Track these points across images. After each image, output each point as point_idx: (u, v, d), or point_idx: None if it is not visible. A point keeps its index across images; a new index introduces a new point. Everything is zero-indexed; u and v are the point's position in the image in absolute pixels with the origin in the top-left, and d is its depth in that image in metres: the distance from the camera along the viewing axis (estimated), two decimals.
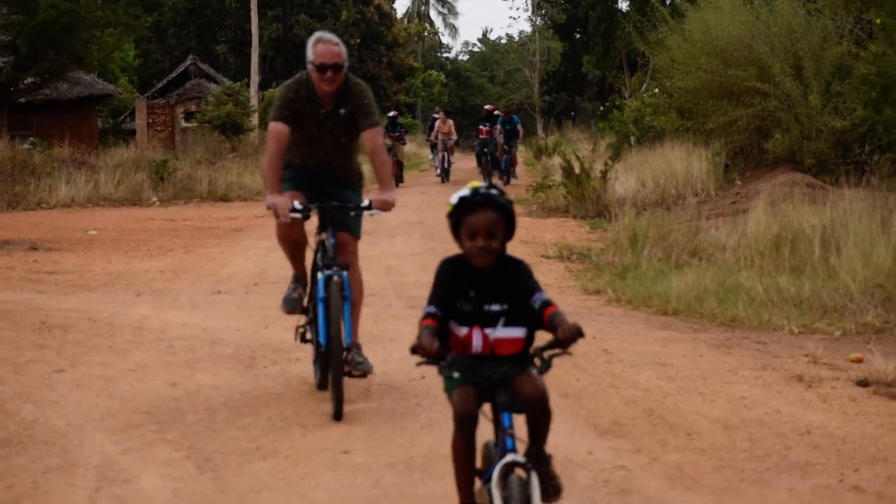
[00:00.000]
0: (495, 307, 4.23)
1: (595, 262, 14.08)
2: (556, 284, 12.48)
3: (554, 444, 6.04)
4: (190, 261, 13.77)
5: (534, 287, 4.21)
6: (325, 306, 6.76)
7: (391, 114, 32.51)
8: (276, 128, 7.12)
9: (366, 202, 7.02)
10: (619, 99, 40.16)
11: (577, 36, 78.53)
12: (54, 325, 9.52)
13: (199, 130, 35.40)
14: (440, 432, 6.16)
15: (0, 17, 28.35)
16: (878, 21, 15.39)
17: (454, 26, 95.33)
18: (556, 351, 4.09)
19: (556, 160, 29.85)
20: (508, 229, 4.25)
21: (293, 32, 50.85)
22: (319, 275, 6.90)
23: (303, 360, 7.94)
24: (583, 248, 15.55)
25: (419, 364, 4.11)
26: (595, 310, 10.87)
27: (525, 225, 18.47)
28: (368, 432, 6.35)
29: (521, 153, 37.62)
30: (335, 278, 6.75)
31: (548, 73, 77.55)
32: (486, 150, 30.17)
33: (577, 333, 4.01)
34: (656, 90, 32.37)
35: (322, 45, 7.05)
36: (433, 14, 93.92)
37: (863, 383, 7.46)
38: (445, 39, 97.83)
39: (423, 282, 11.22)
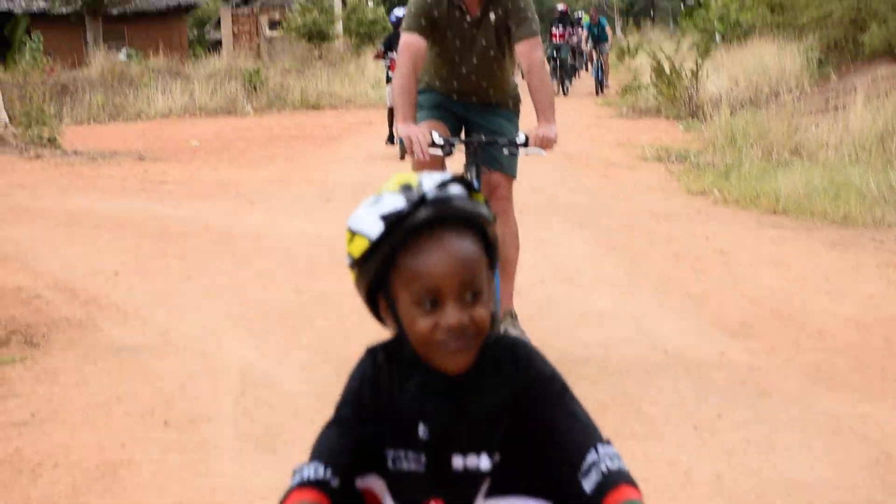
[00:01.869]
0: (473, 461, 2.00)
1: (695, 163, 13.98)
2: (658, 186, 12.46)
3: (684, 345, 6.19)
4: (294, 169, 13.94)
5: (574, 428, 1.95)
6: None
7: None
8: (410, 40, 5.61)
9: (521, 137, 5.44)
10: None
11: None
12: (174, 233, 9.75)
13: (284, 39, 35.54)
14: (569, 336, 6.25)
15: None
16: None
17: None
18: None
19: (640, 60, 29.40)
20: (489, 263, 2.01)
21: None
22: None
23: None
24: (680, 148, 15.43)
25: None
26: (703, 210, 10.83)
27: (619, 128, 18.41)
28: None
29: None
30: None
31: None
32: (557, 55, 27.41)
33: None
34: None
35: None
36: None
37: None
38: None
39: (525, 186, 11.23)
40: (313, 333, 6.66)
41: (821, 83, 20.58)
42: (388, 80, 15.08)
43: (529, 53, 5.60)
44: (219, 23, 44.94)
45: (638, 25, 61.24)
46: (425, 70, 5.88)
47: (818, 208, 10.44)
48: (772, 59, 22.44)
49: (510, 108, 6.01)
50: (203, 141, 17.79)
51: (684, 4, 57.39)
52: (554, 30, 28.66)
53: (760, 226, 9.90)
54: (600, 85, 28.81)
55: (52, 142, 16.73)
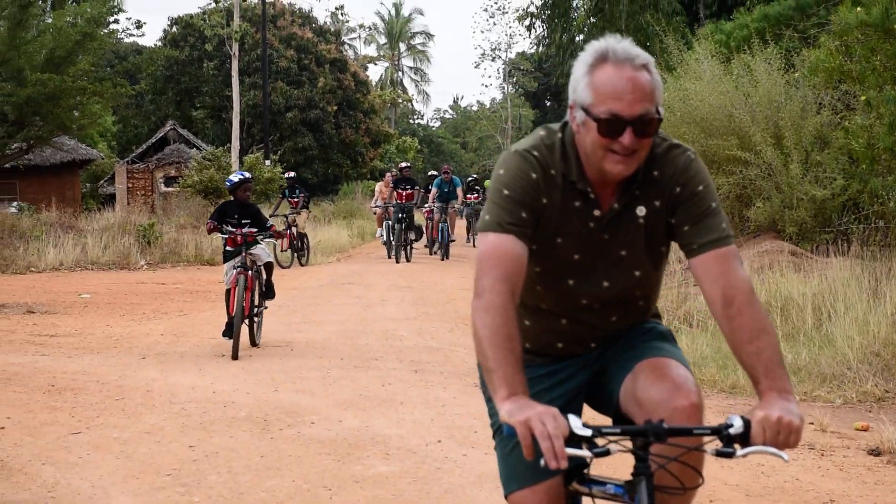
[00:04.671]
0: None
1: None
2: None
3: None
4: (188, 324, 13.83)
5: None
6: None
7: (288, 174, 26.70)
8: (503, 245, 2.97)
9: (737, 423, 2.76)
10: None
11: (548, 103, 79.88)
12: (63, 387, 9.58)
13: (179, 194, 35.59)
14: (465, 498, 6.25)
15: None
16: (863, 98, 15.71)
17: (426, 93, 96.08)
18: None
19: None
20: None
21: (270, 99, 51.16)
22: None
23: (317, 423, 8.00)
24: None
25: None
26: None
27: None
28: (393, 496, 6.39)
29: None
30: None
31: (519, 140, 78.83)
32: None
33: None
34: None
35: (612, 69, 2.88)
36: (406, 81, 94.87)
37: (874, 452, 7.53)
38: (418, 106, 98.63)
39: (421, 346, 11.29)
40: (205, 490, 6.54)
41: None
42: (226, 257, 12.21)
43: (727, 273, 3.01)
44: (113, 177, 44.89)
45: None
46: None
47: (707, 376, 10.66)
48: None
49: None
50: (95, 294, 17.58)
51: None
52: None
53: None
54: (446, 248, 25.99)
55: None
